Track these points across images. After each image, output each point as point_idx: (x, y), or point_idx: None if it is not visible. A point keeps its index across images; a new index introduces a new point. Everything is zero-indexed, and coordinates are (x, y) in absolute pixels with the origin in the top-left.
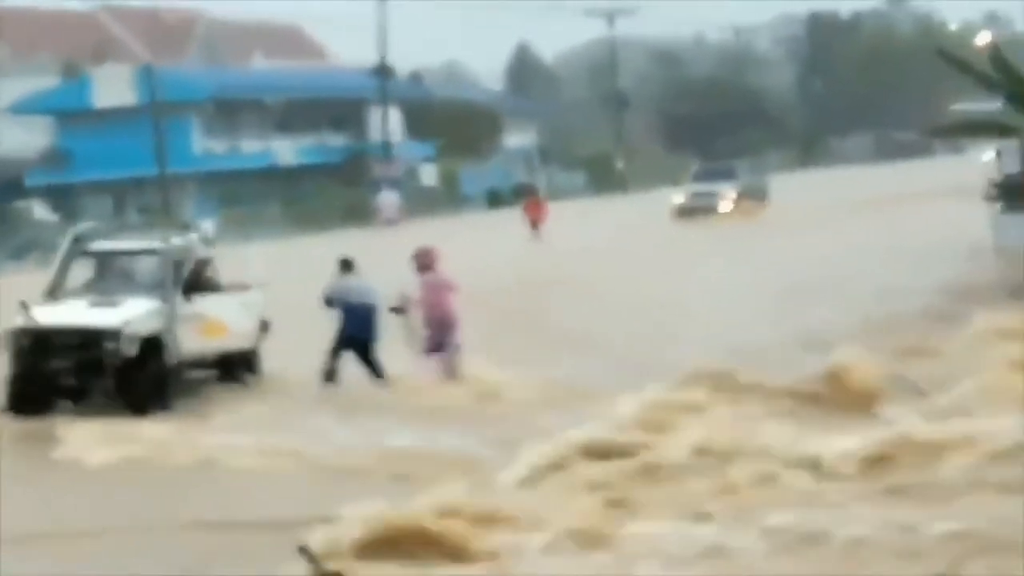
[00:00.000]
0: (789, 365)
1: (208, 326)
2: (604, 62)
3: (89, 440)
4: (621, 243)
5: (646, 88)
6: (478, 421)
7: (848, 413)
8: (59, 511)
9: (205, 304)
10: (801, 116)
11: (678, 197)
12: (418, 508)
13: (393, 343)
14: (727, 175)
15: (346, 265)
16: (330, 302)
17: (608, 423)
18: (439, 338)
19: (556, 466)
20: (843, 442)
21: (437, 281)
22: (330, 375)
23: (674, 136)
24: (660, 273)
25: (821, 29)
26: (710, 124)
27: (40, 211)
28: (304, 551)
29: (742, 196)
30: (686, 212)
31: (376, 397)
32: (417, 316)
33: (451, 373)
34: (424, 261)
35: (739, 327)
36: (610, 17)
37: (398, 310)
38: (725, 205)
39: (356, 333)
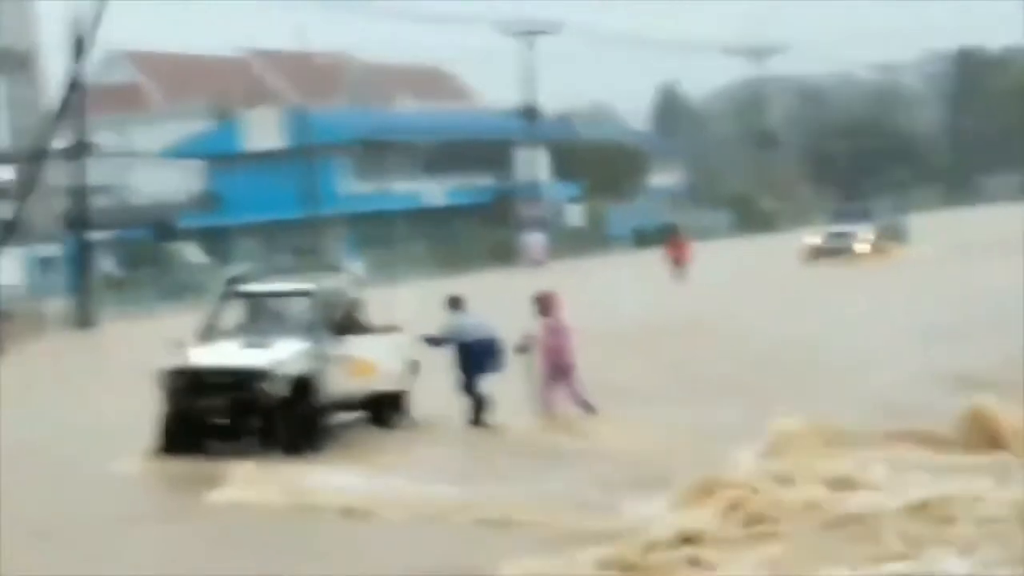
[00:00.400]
0: (931, 408)
1: (357, 367)
2: (750, 101)
3: (252, 482)
4: (763, 283)
5: (792, 127)
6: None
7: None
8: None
9: (354, 345)
10: (947, 153)
11: (812, 238)
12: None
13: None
14: (863, 216)
15: (455, 303)
16: (437, 342)
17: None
18: (555, 381)
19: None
20: None
21: (556, 325)
22: (476, 419)
23: (821, 175)
24: (800, 312)
25: (970, 65)
26: (856, 162)
27: (192, 253)
28: None
29: (879, 237)
30: (821, 254)
31: (530, 439)
32: (538, 358)
33: (583, 406)
34: (544, 305)
35: (882, 368)
36: (757, 56)
37: (523, 349)
38: (861, 246)
39: (474, 369)
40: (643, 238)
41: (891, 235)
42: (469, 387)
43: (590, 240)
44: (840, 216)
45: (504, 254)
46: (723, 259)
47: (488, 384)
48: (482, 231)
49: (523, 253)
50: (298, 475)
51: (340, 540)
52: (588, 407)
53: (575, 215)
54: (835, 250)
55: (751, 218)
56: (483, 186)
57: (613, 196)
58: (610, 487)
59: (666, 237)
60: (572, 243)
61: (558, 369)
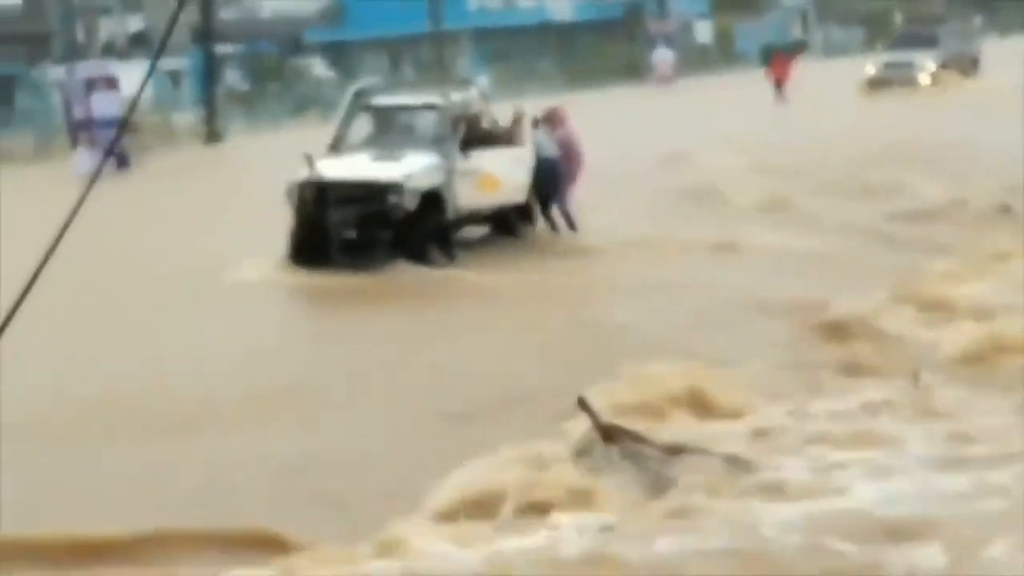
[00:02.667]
0: None
1: (483, 180)
2: None
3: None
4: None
5: None
6: None
7: None
8: None
9: (481, 159)
10: None
11: (870, 68)
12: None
13: None
14: (928, 42)
15: (535, 122)
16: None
17: None
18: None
19: None
20: None
21: (565, 139)
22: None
23: None
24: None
25: None
26: None
27: (318, 68)
28: (583, 404)
29: (946, 66)
30: (878, 85)
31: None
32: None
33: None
34: (552, 120)
35: None
36: None
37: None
38: (924, 77)
39: (541, 186)
40: (771, 55)
41: (961, 64)
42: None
43: (718, 57)
44: (902, 42)
45: (632, 70)
46: (837, 77)
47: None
48: (610, 47)
49: (651, 69)
50: None
51: None
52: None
53: (703, 31)
54: (892, 81)
55: (884, 35)
56: (612, 1)
57: (742, 12)
58: None
59: (769, 55)
60: (700, 60)
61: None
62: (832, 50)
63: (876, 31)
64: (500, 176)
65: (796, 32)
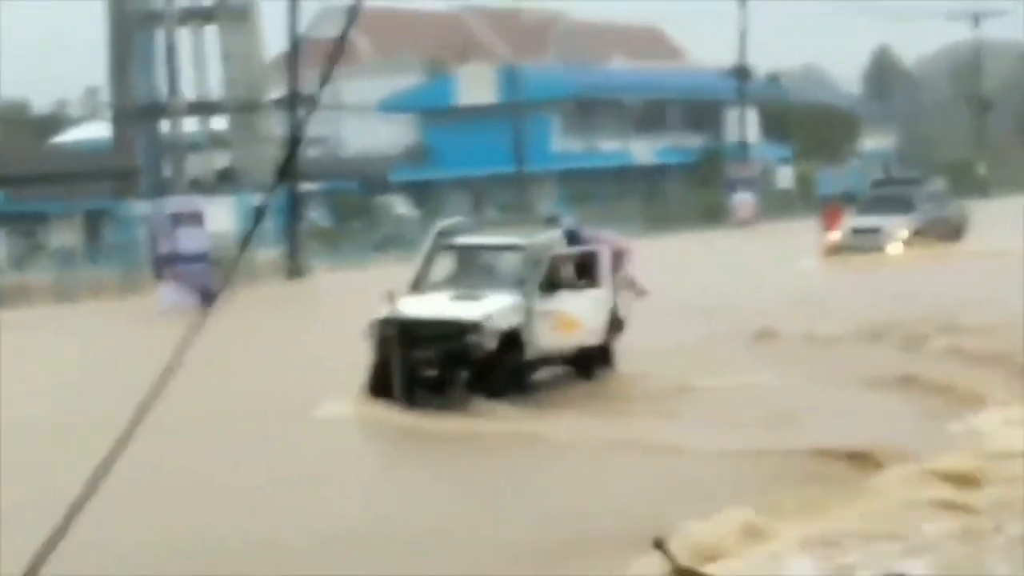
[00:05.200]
0: None
1: (563, 322)
2: (967, 65)
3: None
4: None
5: (1010, 92)
6: None
7: None
8: None
9: (561, 300)
10: None
11: (835, 233)
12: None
13: None
14: (902, 207)
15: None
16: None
17: None
18: None
19: None
20: None
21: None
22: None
23: None
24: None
25: None
26: None
27: (402, 206)
28: (660, 546)
29: (924, 231)
30: (838, 252)
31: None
32: None
33: None
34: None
35: None
36: (975, 19)
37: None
38: (894, 246)
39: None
40: (853, 201)
41: (941, 230)
42: None
43: (799, 202)
44: (870, 207)
45: (713, 214)
46: None
47: None
48: (691, 190)
49: (731, 213)
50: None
51: None
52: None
53: (785, 177)
54: (858, 248)
55: (965, 184)
56: (693, 146)
57: (824, 159)
58: None
59: (825, 204)
60: (781, 205)
61: None
62: None
63: (957, 180)
64: (579, 317)
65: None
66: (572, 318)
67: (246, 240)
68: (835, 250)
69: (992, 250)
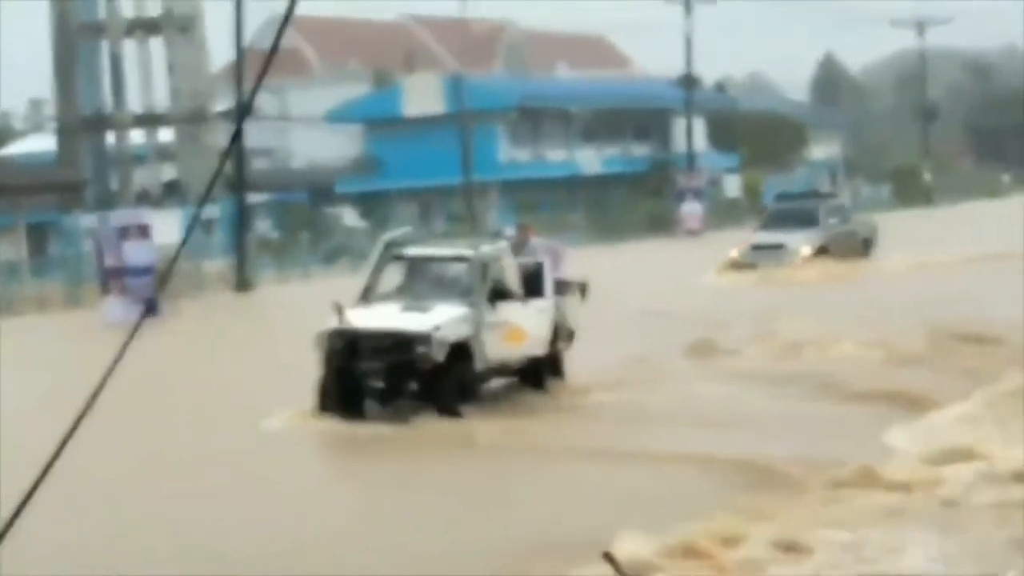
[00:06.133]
0: None
1: (511, 333)
2: (912, 73)
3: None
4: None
5: (955, 100)
6: None
7: None
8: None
9: (508, 311)
10: None
11: (733, 251)
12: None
13: None
14: (805, 221)
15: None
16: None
17: None
18: None
19: None
20: None
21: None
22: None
23: (983, 148)
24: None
25: None
26: (1021, 136)
27: (350, 217)
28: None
29: (826, 250)
30: (736, 268)
31: None
32: None
33: None
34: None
35: None
36: (920, 27)
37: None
38: (795, 262)
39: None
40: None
41: (845, 247)
42: None
43: (747, 211)
44: (771, 222)
45: (660, 223)
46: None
47: None
48: (638, 200)
49: (679, 222)
50: None
51: None
52: None
53: (732, 186)
54: (757, 265)
55: (912, 192)
56: (640, 155)
57: (771, 167)
58: None
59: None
60: (729, 214)
61: None
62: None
63: (903, 188)
64: (526, 328)
65: (825, 188)
66: (520, 329)
67: (179, 249)
68: (733, 266)
69: (891, 268)
